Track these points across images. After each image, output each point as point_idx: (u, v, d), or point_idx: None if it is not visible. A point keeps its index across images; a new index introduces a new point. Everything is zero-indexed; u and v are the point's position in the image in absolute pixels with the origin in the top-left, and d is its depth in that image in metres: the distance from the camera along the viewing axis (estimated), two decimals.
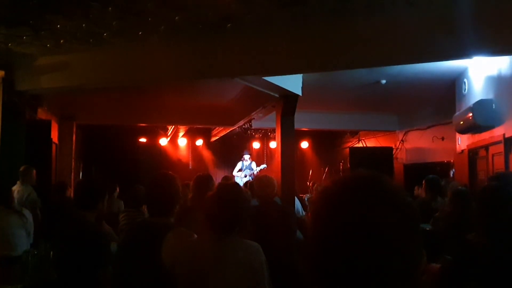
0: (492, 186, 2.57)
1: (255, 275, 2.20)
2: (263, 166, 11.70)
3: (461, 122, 6.61)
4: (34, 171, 5.96)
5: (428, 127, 10.26)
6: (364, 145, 12.85)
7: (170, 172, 2.90)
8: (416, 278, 0.85)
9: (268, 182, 4.03)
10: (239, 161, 11.87)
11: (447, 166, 9.31)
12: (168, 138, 13.56)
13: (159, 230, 2.51)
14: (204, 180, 3.72)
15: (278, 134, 7.29)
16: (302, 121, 8.95)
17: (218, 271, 2.17)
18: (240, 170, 11.58)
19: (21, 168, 5.84)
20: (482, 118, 6.02)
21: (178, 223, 2.64)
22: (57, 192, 6.34)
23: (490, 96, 6.10)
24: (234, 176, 11.19)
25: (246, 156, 11.69)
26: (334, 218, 0.84)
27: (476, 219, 2.38)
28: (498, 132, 5.89)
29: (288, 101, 7.03)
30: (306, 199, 8.20)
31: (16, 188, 5.51)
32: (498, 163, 5.94)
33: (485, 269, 2.12)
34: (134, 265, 2.52)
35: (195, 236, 2.51)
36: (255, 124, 11.07)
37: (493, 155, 6.21)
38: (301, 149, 14.11)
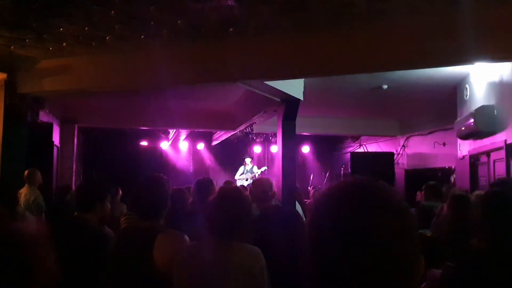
0: (496, 192, 2.56)
1: (255, 280, 2.19)
2: (263, 168, 11.72)
3: (463, 128, 6.60)
4: (39, 173, 5.95)
5: (430, 133, 10.26)
6: (365, 150, 12.84)
7: (157, 174, 2.86)
8: (414, 283, 0.86)
9: (260, 182, 3.98)
10: (240, 165, 11.87)
11: (448, 171, 9.31)
12: (170, 142, 13.57)
13: (146, 233, 2.50)
14: (205, 184, 3.72)
15: (279, 138, 7.29)
16: (303, 126, 8.94)
17: (218, 276, 2.16)
18: (242, 174, 11.58)
19: (27, 171, 5.83)
20: (484, 124, 6.00)
21: (177, 227, 2.64)
22: (59, 194, 6.34)
23: (491, 102, 6.09)
24: (235, 181, 11.18)
25: (247, 160, 11.69)
26: (331, 224, 0.85)
27: (480, 225, 2.38)
28: (499, 138, 5.88)
29: (289, 105, 7.04)
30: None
31: (23, 191, 5.51)
32: (500, 169, 5.93)
33: (489, 275, 2.11)
34: (125, 270, 2.51)
35: (186, 238, 2.51)
36: (256, 128, 11.09)
37: (494, 161, 6.19)
38: (302, 154, 14.11)
